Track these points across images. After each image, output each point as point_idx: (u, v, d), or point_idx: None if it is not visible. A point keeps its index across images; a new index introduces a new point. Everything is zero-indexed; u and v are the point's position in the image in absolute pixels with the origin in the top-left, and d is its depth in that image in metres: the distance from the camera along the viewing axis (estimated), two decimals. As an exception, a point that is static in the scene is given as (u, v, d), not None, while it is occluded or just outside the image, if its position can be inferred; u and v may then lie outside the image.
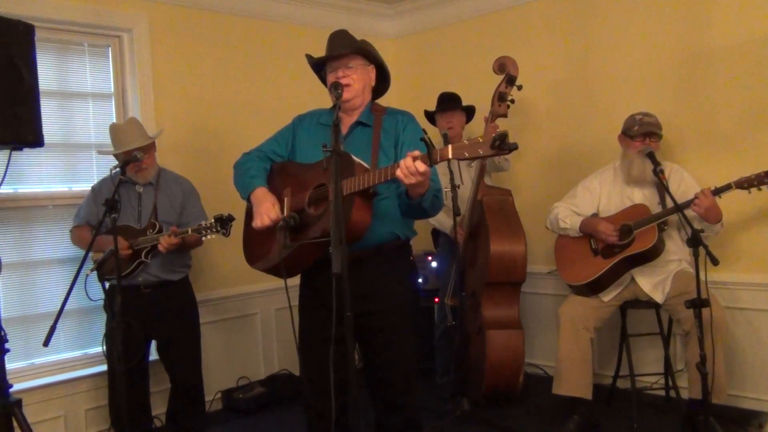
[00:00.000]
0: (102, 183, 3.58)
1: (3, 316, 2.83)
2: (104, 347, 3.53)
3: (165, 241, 3.26)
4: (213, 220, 3.24)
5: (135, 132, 3.46)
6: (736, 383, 3.74)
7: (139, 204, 3.47)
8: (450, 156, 2.03)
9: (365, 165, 2.37)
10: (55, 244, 3.77)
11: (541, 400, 4.02)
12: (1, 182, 2.79)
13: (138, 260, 3.37)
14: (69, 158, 3.89)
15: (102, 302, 3.52)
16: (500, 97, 3.79)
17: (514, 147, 1.94)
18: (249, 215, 2.71)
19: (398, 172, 2.12)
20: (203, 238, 3.35)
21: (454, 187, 3.73)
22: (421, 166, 2.09)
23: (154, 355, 3.72)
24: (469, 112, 4.35)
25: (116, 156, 3.48)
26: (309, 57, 2.66)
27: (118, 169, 3.26)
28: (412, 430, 2.66)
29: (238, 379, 4.43)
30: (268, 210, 2.49)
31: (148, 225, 3.40)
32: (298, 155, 2.67)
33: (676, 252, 3.57)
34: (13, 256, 3.64)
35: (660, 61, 4.02)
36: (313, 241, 2.37)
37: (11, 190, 3.63)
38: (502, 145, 1.92)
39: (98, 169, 3.92)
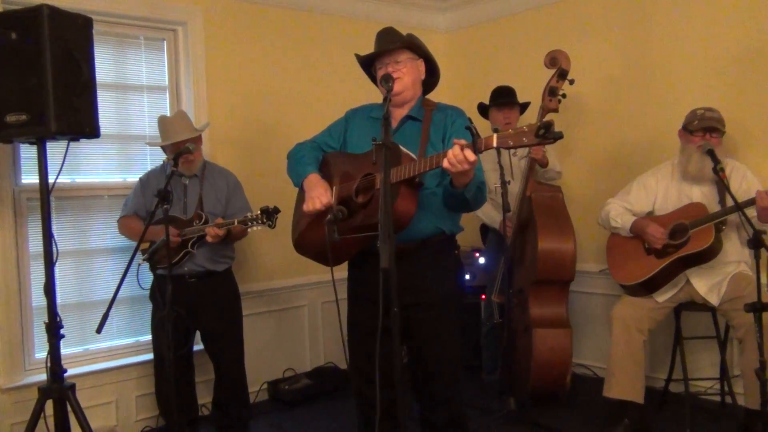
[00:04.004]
0: (150, 174, 3.65)
1: (59, 303, 2.92)
2: (152, 336, 3.62)
3: (212, 231, 3.31)
4: (259, 212, 3.27)
5: (182, 124, 3.52)
6: (796, 391, 3.60)
7: (185, 195, 3.53)
8: (495, 144, 2.04)
9: (412, 155, 2.37)
10: (110, 233, 3.85)
11: (590, 402, 3.94)
12: (59, 172, 2.87)
13: (185, 250, 3.42)
14: (124, 149, 3.98)
15: (149, 292, 3.60)
16: (551, 92, 3.73)
17: (559, 136, 1.91)
18: (300, 202, 2.73)
19: (445, 161, 2.12)
20: (248, 230, 3.38)
21: (504, 183, 3.67)
22: (469, 155, 2.07)
23: (197, 345, 3.78)
24: (524, 107, 4.28)
25: (164, 148, 3.54)
26: (358, 56, 2.67)
27: (171, 160, 3.32)
28: (456, 426, 2.64)
29: (284, 371, 4.47)
30: (320, 195, 2.51)
31: (194, 216, 3.46)
32: (349, 148, 2.69)
33: (735, 254, 3.45)
34: (70, 245, 3.74)
35: (721, 55, 3.88)
36: (361, 236, 2.36)
37: (69, 180, 3.72)
38: (546, 133, 1.91)
39: (152, 160, 4.00)
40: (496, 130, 3.85)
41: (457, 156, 2.08)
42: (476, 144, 2.07)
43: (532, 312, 3.90)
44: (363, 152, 2.54)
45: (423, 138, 2.53)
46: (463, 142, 2.10)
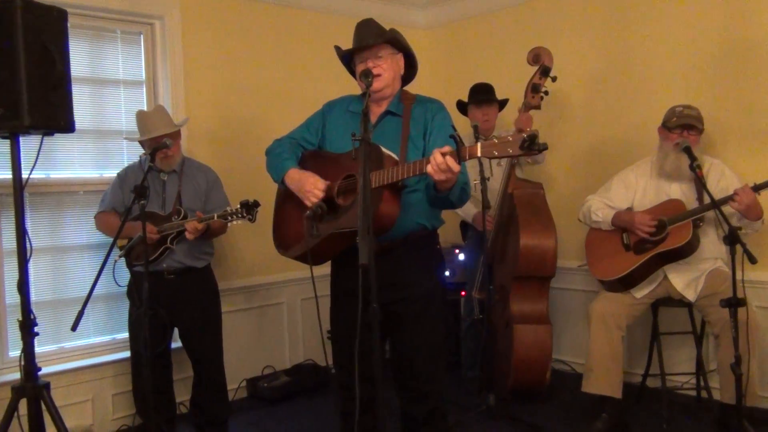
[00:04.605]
0: (127, 170, 3.61)
1: (34, 300, 2.87)
2: (129, 333, 3.58)
3: (191, 226, 3.27)
4: (239, 206, 3.24)
5: (161, 119, 3.48)
6: (770, 385, 3.65)
7: (163, 191, 3.49)
8: (479, 154, 2.05)
9: (394, 157, 2.35)
10: (86, 229, 3.80)
11: (569, 397, 3.97)
12: (33, 167, 2.82)
13: (164, 246, 3.38)
14: (100, 144, 3.92)
15: (126, 288, 3.55)
16: (534, 89, 3.74)
17: (543, 148, 1.95)
18: (280, 200, 2.71)
19: (428, 168, 2.13)
20: (229, 224, 3.35)
21: (483, 179, 3.69)
22: (451, 163, 2.09)
23: (175, 342, 3.74)
24: (502, 104, 4.29)
25: (142, 143, 3.50)
26: (338, 49, 2.64)
27: (148, 155, 3.27)
28: (436, 419, 2.64)
29: (263, 368, 4.44)
30: (314, 184, 2.46)
31: (174, 211, 3.42)
32: (327, 143, 2.66)
33: (712, 250, 3.48)
34: (44, 241, 3.68)
35: (701, 53, 3.91)
36: (340, 231, 2.36)
37: (43, 176, 3.66)
38: (531, 145, 1.93)
39: (128, 155, 3.95)
40: (475, 127, 3.89)
41: (440, 164, 2.10)
42: (460, 153, 2.08)
43: (513, 308, 3.91)
44: (343, 152, 2.52)
45: (403, 134, 2.51)
46: (446, 149, 2.10)
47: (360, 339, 2.00)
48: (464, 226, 4.46)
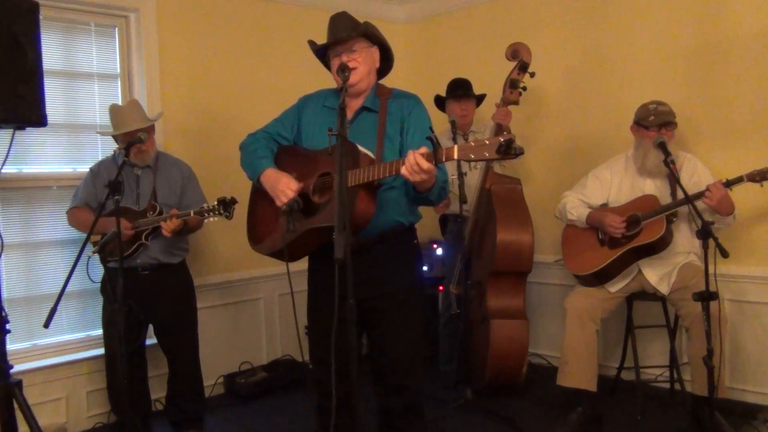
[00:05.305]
0: (100, 165, 3.56)
1: (5, 297, 2.82)
2: (103, 330, 3.54)
3: (168, 226, 3.24)
4: (216, 203, 3.22)
5: (135, 114, 3.43)
6: (740, 377, 3.72)
7: (137, 186, 3.44)
8: (455, 157, 2.05)
9: (371, 155, 2.35)
10: (59, 225, 3.74)
11: (545, 391, 4.00)
12: (4, 162, 2.77)
13: (138, 242, 3.35)
14: (74, 139, 3.87)
15: (99, 285, 3.51)
16: (512, 84, 3.75)
17: (520, 152, 1.95)
18: (254, 197, 2.69)
19: (403, 170, 2.13)
20: (205, 221, 3.32)
21: (460, 175, 3.70)
22: (425, 164, 2.09)
23: (150, 339, 3.70)
24: (480, 99, 4.30)
25: (115, 137, 3.46)
26: (312, 43, 2.62)
27: (122, 150, 3.23)
28: (413, 414, 2.65)
29: (240, 364, 4.42)
30: (288, 184, 2.44)
31: (148, 207, 3.38)
32: (303, 138, 2.64)
33: (685, 244, 3.53)
34: (16, 237, 3.62)
35: (674, 50, 3.96)
36: (315, 227, 2.35)
37: (15, 170, 3.61)
38: (508, 150, 1.94)
39: (103, 150, 3.90)
40: (453, 123, 3.89)
41: (413, 167, 2.10)
42: (437, 155, 2.08)
43: (490, 303, 3.93)
44: (319, 148, 2.50)
45: (380, 130, 2.50)
46: (423, 150, 2.10)
47: (337, 334, 2.00)
48: (443, 220, 4.48)
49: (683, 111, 3.72)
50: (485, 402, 3.85)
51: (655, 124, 3.46)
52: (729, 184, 3.23)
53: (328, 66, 2.63)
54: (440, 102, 4.32)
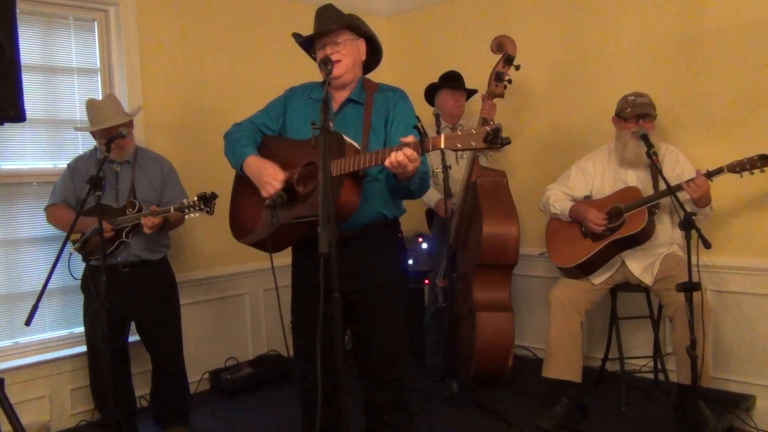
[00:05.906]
0: (78, 160, 3.50)
1: (-15, 295, 2.79)
2: (84, 327, 3.50)
3: (149, 222, 3.21)
4: (196, 198, 3.19)
5: (113, 109, 3.38)
6: (723, 367, 3.75)
7: (116, 183, 3.39)
8: (442, 146, 2.06)
9: (356, 146, 2.34)
10: (39, 221, 3.69)
11: (531, 383, 4.02)
12: (-18, 158, 2.74)
13: (119, 240, 3.31)
14: (53, 134, 3.82)
15: (79, 282, 3.47)
16: (497, 77, 3.75)
17: (506, 142, 1.97)
18: (237, 186, 2.67)
19: (387, 163, 2.13)
20: (186, 217, 3.29)
21: (445, 168, 3.69)
22: (410, 154, 2.10)
23: (133, 335, 3.67)
24: (470, 94, 4.30)
25: (93, 133, 3.41)
26: (296, 36, 2.61)
27: (103, 145, 3.19)
28: (399, 407, 2.65)
29: (226, 360, 4.40)
30: (273, 175, 2.43)
31: (128, 204, 3.33)
32: (288, 130, 2.63)
33: (667, 236, 3.55)
34: (-4, 234, 3.58)
35: (656, 43, 3.97)
36: (300, 221, 2.34)
37: (-6, 166, 3.56)
38: (494, 139, 1.95)
39: (83, 145, 3.85)
40: (437, 116, 3.89)
41: (401, 162, 2.10)
42: (423, 144, 2.09)
43: (476, 296, 3.93)
44: (304, 138, 2.49)
45: (365, 123, 2.50)
46: (409, 139, 2.10)
47: (322, 329, 2.00)
48: (430, 214, 4.47)
49: (664, 103, 3.74)
50: (471, 394, 3.86)
51: (632, 115, 3.48)
52: (709, 175, 3.25)
53: (316, 59, 2.62)
54: (430, 94, 4.30)
